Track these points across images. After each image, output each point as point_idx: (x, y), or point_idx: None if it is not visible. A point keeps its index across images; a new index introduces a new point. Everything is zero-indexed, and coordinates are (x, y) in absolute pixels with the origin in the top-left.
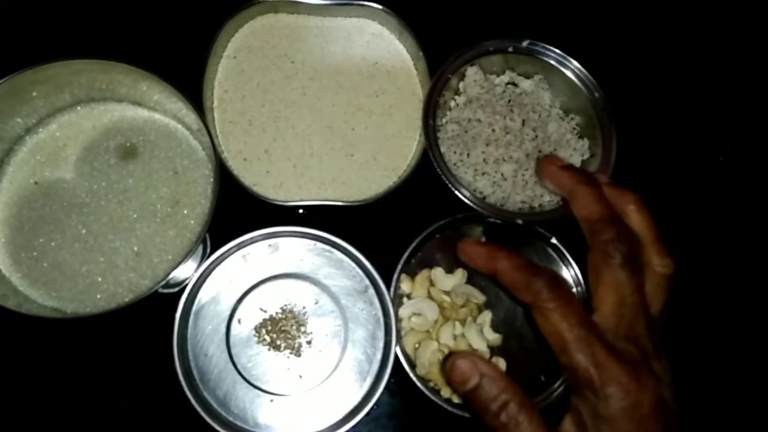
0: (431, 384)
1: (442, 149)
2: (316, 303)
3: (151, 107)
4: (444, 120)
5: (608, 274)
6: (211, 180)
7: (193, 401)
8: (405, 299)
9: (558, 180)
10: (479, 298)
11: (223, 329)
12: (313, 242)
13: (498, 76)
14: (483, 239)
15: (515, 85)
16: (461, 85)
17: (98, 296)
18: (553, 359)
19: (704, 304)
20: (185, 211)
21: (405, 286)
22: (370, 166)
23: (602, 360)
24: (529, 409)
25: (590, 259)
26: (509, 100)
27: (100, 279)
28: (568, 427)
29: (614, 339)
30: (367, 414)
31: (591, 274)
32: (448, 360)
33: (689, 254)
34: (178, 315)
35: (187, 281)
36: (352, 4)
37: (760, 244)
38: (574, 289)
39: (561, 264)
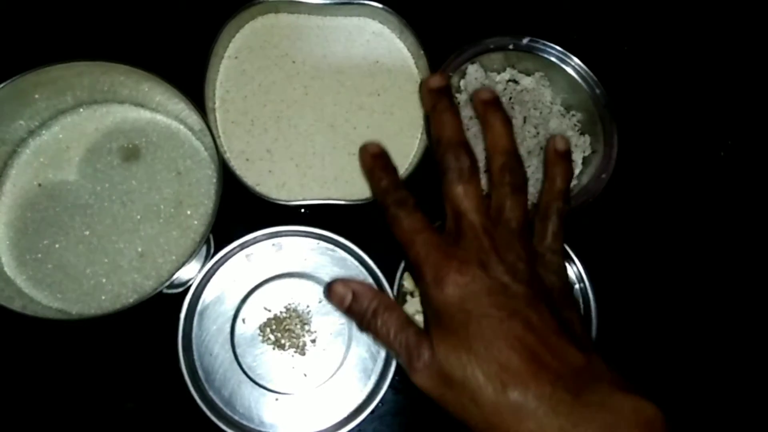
0: None
1: None
2: (320, 302)
3: (153, 108)
4: None
5: (445, 189)
6: (214, 180)
7: (198, 401)
8: (408, 297)
9: (424, 97)
10: None
11: (228, 329)
12: (316, 241)
13: (499, 73)
14: None
15: (516, 82)
16: (462, 82)
17: (103, 297)
18: None
19: (705, 299)
20: (188, 212)
21: (408, 284)
22: None
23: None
24: (394, 308)
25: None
26: (510, 98)
27: (104, 280)
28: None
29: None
30: (372, 412)
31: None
32: (328, 287)
33: (690, 249)
34: (182, 315)
35: (191, 281)
36: (353, 4)
37: (761, 239)
38: (577, 286)
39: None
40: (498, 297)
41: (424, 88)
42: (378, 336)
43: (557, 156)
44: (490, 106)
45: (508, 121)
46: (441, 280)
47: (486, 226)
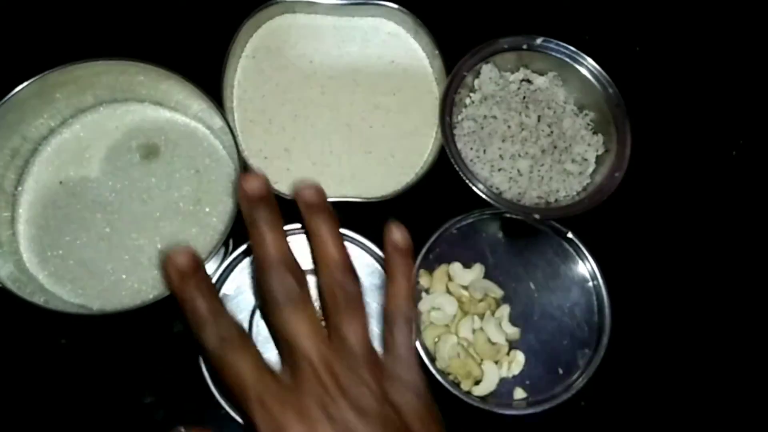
0: (451, 377)
1: (459, 146)
2: None
3: (172, 107)
4: (460, 117)
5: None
6: (233, 178)
7: (217, 396)
8: (424, 294)
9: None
10: (497, 292)
11: (246, 325)
12: None
13: (512, 73)
14: (500, 235)
15: (530, 82)
16: (476, 82)
17: (123, 293)
18: (570, 355)
19: (718, 296)
20: (207, 209)
21: (423, 281)
22: (388, 163)
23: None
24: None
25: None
26: (524, 97)
27: (124, 276)
28: None
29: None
30: None
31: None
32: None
33: (703, 246)
34: None
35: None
36: (369, 4)
37: None
38: (590, 283)
39: (577, 258)
40: None
41: (240, 193)
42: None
43: (395, 252)
44: (313, 210)
45: (334, 225)
46: None
47: (324, 356)
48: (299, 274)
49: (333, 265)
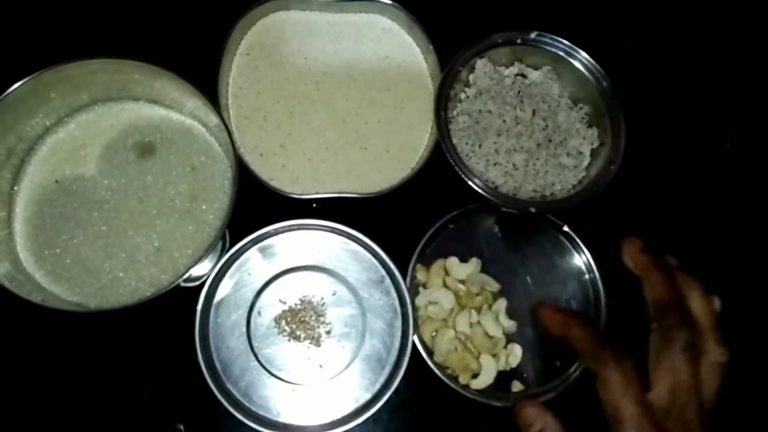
0: (449, 371)
1: (454, 140)
2: (333, 294)
3: (167, 105)
4: (455, 112)
5: (668, 357)
6: (229, 175)
7: (216, 392)
8: (421, 288)
9: (635, 261)
10: (494, 286)
11: (244, 321)
12: (329, 234)
13: (507, 67)
14: (496, 229)
15: (524, 76)
16: (471, 77)
17: (120, 291)
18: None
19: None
20: (204, 207)
21: (420, 275)
22: (384, 158)
23: None
24: None
25: (653, 340)
26: (519, 91)
27: (122, 274)
28: None
29: (664, 419)
30: (387, 402)
31: (652, 353)
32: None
33: (698, 239)
34: (199, 308)
35: (207, 275)
36: (362, 0)
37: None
38: (586, 276)
39: (573, 251)
40: None
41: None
42: None
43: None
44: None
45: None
46: None
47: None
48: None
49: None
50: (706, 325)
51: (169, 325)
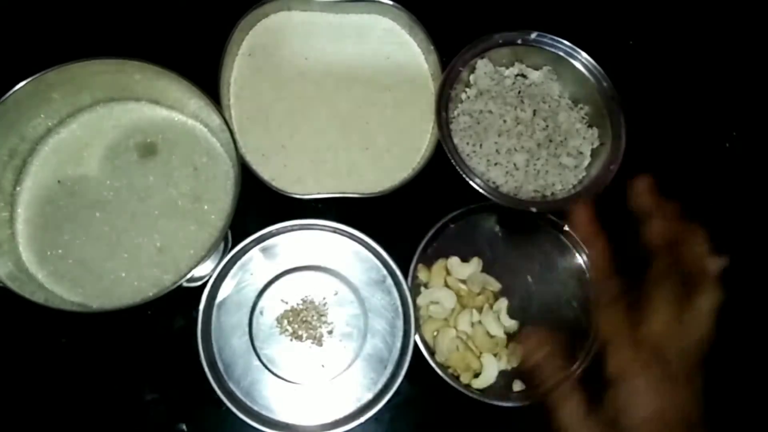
0: (450, 370)
1: (455, 141)
2: (335, 294)
3: (169, 105)
4: (456, 112)
5: (660, 294)
6: (231, 176)
7: (218, 392)
8: (422, 288)
9: (640, 199)
10: (495, 285)
11: (246, 321)
12: (331, 234)
13: (507, 68)
14: (497, 229)
15: (524, 76)
16: (472, 77)
17: (123, 291)
18: (567, 346)
19: None
20: (206, 207)
21: (422, 275)
22: (385, 158)
23: (636, 370)
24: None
25: (649, 277)
26: (519, 92)
27: (124, 274)
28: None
29: (656, 353)
30: (389, 401)
31: (646, 289)
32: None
33: None
34: (201, 308)
35: (209, 275)
36: (363, 1)
37: (766, 229)
38: (586, 276)
39: (573, 251)
40: None
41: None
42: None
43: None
44: None
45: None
46: None
47: None
48: None
49: None
50: (701, 269)
51: (172, 325)
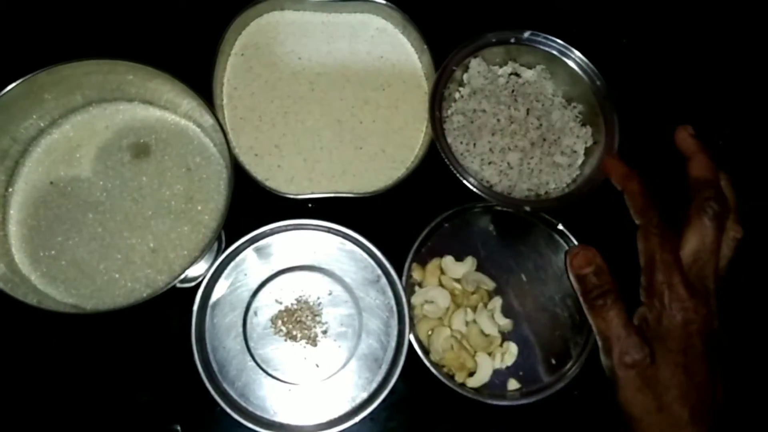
0: (445, 370)
1: (449, 140)
2: (330, 294)
3: (161, 106)
4: (449, 111)
5: (699, 223)
6: (224, 176)
7: (213, 393)
8: (417, 288)
9: (686, 143)
10: (489, 284)
11: (240, 321)
12: (325, 234)
13: (501, 67)
14: (491, 228)
15: (518, 75)
16: (465, 76)
17: (116, 292)
18: (562, 344)
19: None
20: (199, 207)
21: (416, 274)
22: (379, 158)
23: (675, 282)
24: (622, 302)
25: (690, 210)
26: (513, 90)
27: (117, 276)
28: (636, 321)
29: (687, 272)
30: (384, 401)
31: (686, 219)
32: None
33: None
34: (195, 309)
35: (203, 276)
36: (357, 0)
37: (759, 228)
38: None
39: (567, 249)
40: None
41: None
42: (595, 315)
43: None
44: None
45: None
46: None
47: None
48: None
49: None
50: (731, 205)
51: (165, 326)
